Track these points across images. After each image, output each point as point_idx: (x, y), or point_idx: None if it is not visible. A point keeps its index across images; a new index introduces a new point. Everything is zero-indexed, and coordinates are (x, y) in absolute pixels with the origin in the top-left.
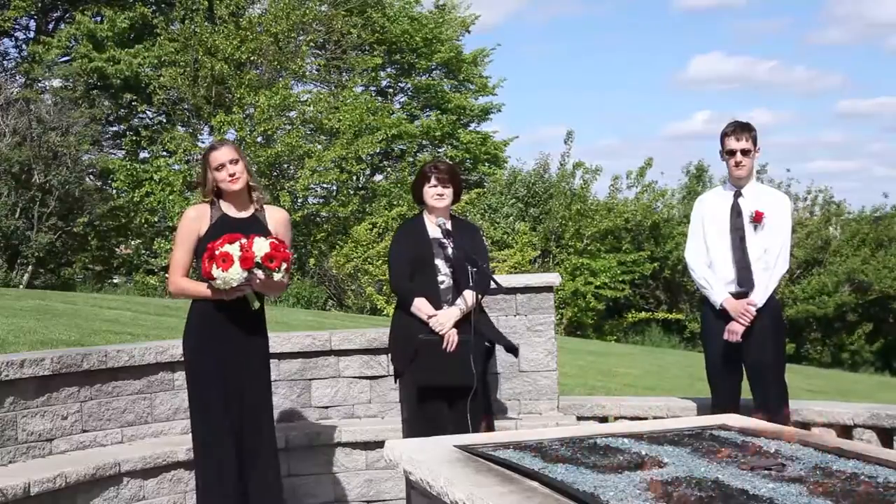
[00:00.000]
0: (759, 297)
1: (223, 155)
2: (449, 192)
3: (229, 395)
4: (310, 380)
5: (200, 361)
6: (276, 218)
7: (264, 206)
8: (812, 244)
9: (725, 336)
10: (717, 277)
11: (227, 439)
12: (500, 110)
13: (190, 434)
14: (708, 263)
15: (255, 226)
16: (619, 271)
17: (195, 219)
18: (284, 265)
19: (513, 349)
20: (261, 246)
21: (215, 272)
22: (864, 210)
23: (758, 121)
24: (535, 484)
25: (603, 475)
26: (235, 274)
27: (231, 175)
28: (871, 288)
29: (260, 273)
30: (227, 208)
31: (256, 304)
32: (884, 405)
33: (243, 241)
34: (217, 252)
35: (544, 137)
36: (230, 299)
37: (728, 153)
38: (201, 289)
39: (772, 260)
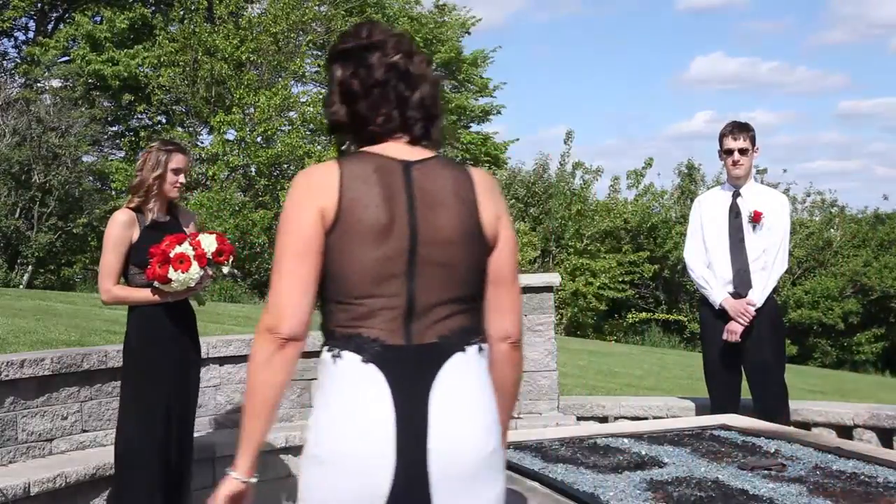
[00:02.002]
0: (758, 297)
1: (185, 162)
2: None
3: (172, 401)
4: (310, 380)
5: (147, 367)
6: (188, 218)
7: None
8: (813, 244)
9: (724, 336)
10: (715, 277)
11: (163, 449)
12: (500, 112)
13: None
14: (707, 263)
15: (177, 227)
16: (619, 272)
17: (128, 224)
18: (231, 258)
19: None
20: (209, 242)
21: (173, 275)
22: (866, 210)
23: (759, 121)
24: (535, 484)
25: (603, 475)
26: (194, 273)
27: (182, 183)
28: (873, 289)
29: (210, 270)
30: (152, 212)
31: (205, 302)
32: (884, 405)
33: (189, 240)
34: (172, 254)
35: (545, 138)
36: (174, 301)
37: (726, 152)
38: (141, 294)
39: (770, 260)
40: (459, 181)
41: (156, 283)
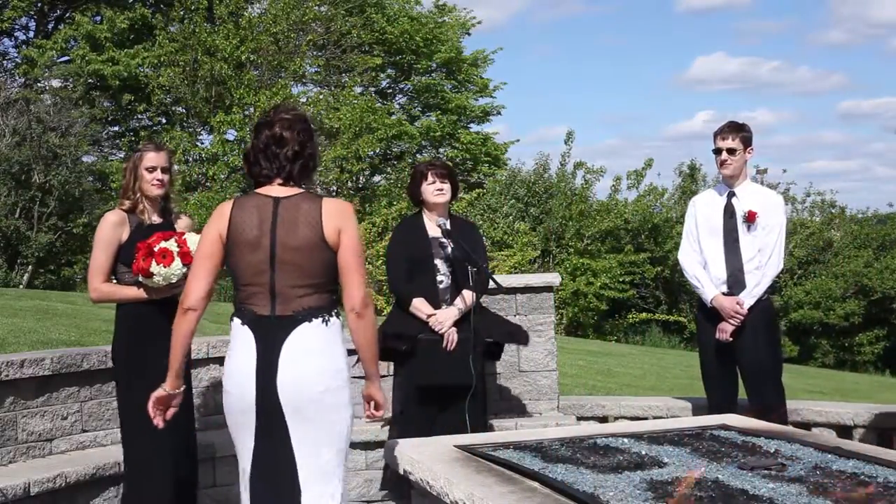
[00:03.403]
0: (748, 296)
1: (160, 159)
2: (447, 187)
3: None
4: None
5: (135, 367)
6: (183, 225)
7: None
8: (814, 244)
9: (717, 335)
10: (709, 276)
11: (170, 456)
12: (500, 112)
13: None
14: (702, 264)
15: (170, 230)
16: (619, 272)
17: (118, 224)
18: None
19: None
20: (194, 241)
21: (155, 269)
22: (867, 211)
23: (760, 121)
24: (536, 484)
25: (603, 475)
26: (176, 269)
27: (159, 181)
28: (874, 290)
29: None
30: (143, 214)
31: None
32: (884, 405)
33: (176, 237)
34: (156, 249)
35: (546, 137)
36: (160, 298)
37: (715, 152)
38: (129, 291)
39: (765, 260)
40: (311, 210)
41: (140, 278)
